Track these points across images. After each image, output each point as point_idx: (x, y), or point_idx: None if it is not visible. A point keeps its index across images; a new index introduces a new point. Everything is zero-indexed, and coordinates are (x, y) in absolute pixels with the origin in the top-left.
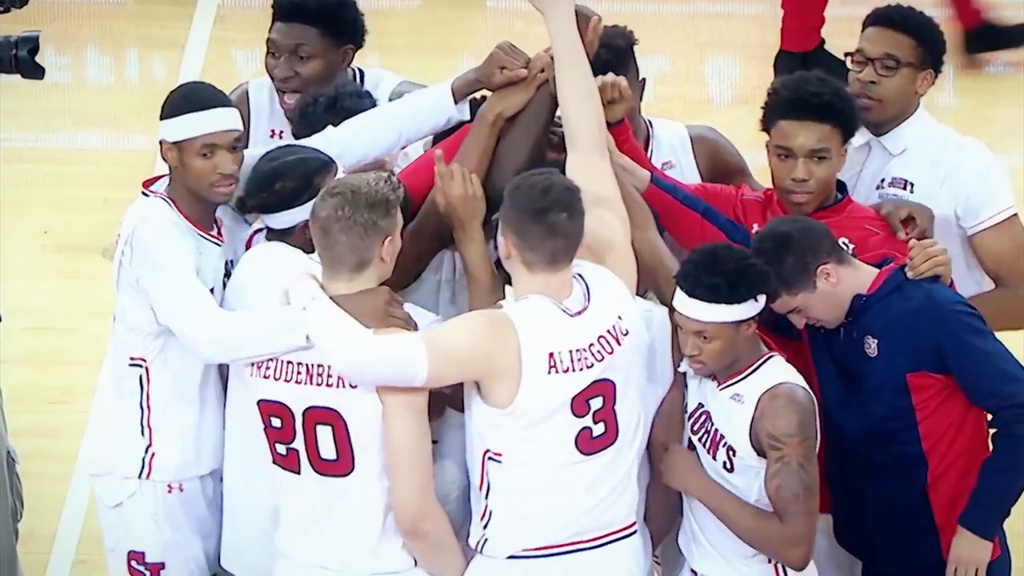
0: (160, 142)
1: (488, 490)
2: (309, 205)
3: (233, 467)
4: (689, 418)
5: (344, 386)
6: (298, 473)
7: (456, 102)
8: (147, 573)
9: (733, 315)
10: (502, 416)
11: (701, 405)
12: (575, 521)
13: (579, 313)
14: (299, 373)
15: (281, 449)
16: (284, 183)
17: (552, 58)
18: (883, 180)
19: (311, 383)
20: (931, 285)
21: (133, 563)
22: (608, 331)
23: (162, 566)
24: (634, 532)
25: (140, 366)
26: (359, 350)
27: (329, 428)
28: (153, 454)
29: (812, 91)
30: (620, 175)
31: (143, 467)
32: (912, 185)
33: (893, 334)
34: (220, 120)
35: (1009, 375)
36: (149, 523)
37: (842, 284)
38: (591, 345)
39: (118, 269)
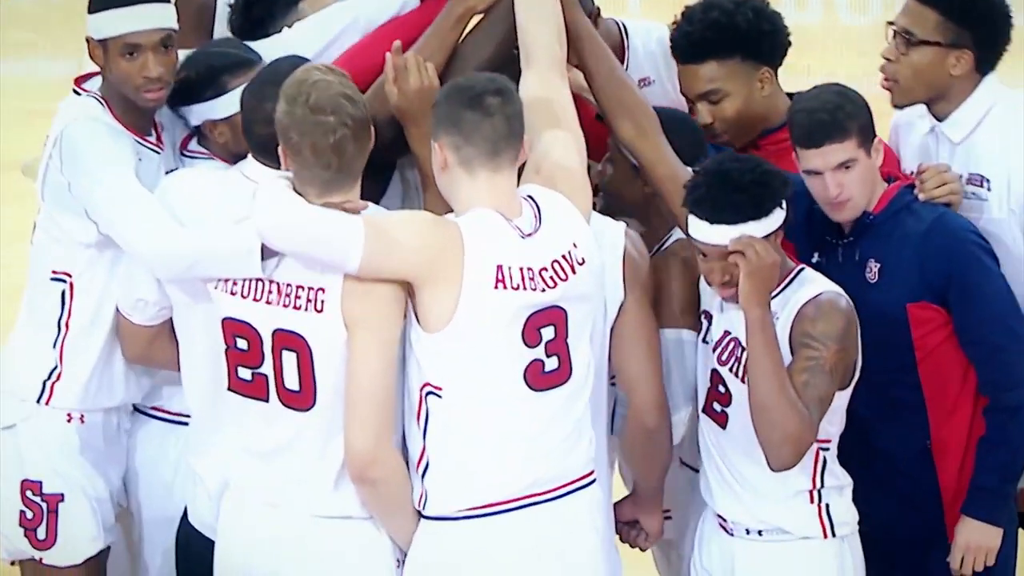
0: (87, 39)
1: (426, 429)
2: (217, 103)
3: (203, 403)
4: (715, 350)
5: (311, 310)
6: (265, 401)
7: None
8: (43, 505)
9: (763, 229)
10: (442, 338)
11: (728, 333)
12: (527, 471)
13: (530, 235)
14: (269, 292)
15: (245, 374)
16: (188, 72)
17: None
18: (961, 177)
19: (280, 303)
20: (943, 209)
21: (28, 493)
22: (563, 256)
23: (60, 498)
24: (593, 481)
25: (64, 281)
26: (293, 212)
27: (294, 355)
28: (58, 378)
29: (684, 29)
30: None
31: (43, 391)
32: (988, 181)
33: (897, 257)
34: (144, 17)
35: (1009, 330)
36: (46, 451)
37: (877, 170)
38: (543, 270)
39: (44, 174)
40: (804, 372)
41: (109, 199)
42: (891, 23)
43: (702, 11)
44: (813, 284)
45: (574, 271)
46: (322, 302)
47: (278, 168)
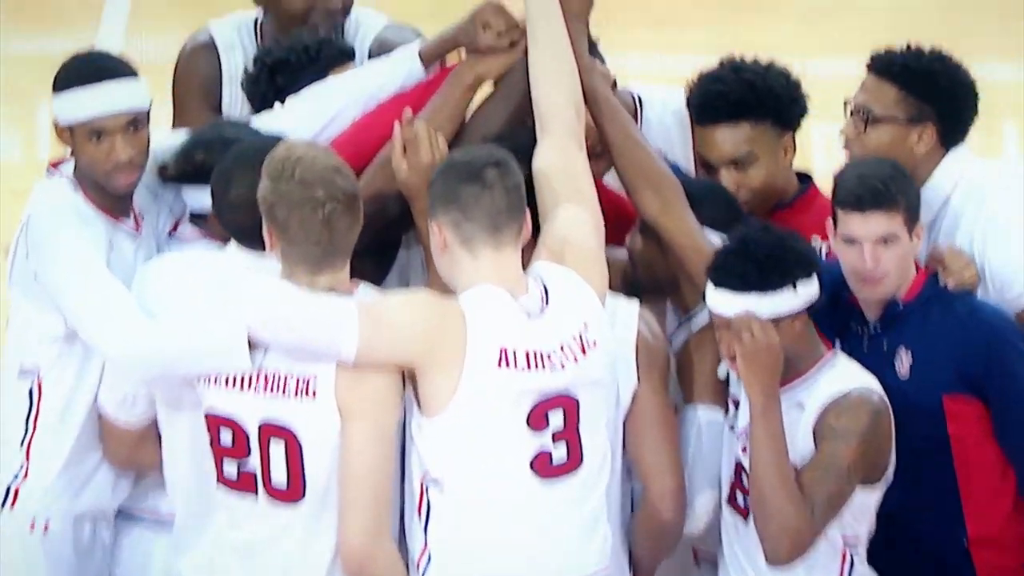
0: (52, 122)
1: (427, 524)
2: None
3: (188, 499)
4: (739, 438)
5: (302, 397)
6: (254, 495)
7: (426, 67)
8: None
9: (770, 306)
10: (442, 421)
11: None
12: (536, 567)
13: (537, 315)
14: (256, 381)
15: (231, 468)
16: (206, 153)
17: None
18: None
19: (267, 392)
20: (976, 298)
21: None
22: (573, 338)
23: None
24: None
25: (32, 376)
26: (280, 302)
27: (282, 446)
28: (23, 479)
29: (717, 89)
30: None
31: (7, 494)
32: None
33: (931, 348)
34: (109, 99)
35: None
36: (10, 567)
37: (914, 257)
38: (551, 354)
39: (12, 260)
40: (818, 467)
41: (75, 292)
42: (847, 101)
43: (733, 71)
44: (845, 377)
45: (584, 353)
46: (314, 390)
47: (258, 252)
